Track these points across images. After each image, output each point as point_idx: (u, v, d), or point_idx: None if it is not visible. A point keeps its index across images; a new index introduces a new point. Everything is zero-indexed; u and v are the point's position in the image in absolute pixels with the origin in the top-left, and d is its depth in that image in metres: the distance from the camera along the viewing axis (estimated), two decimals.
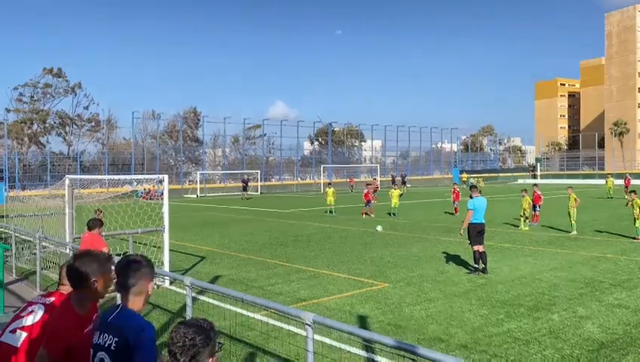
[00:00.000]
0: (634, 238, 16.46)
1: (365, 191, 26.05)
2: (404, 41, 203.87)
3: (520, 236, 17.87)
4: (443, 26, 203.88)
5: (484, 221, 12.05)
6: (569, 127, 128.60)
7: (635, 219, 16.84)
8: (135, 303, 2.87)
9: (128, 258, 2.95)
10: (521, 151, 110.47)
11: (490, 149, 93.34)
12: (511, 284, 10.66)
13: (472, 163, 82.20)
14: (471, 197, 12.17)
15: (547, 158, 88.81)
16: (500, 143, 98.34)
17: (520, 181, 69.32)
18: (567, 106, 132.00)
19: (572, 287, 10.29)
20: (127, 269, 2.87)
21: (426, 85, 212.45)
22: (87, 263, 2.99)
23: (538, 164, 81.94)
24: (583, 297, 9.49)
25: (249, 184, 46.08)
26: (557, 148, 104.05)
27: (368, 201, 25.43)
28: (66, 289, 3.46)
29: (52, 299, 3.39)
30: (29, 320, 3.25)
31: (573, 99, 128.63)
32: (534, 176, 75.52)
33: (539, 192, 21.99)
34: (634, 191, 17.37)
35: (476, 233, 11.87)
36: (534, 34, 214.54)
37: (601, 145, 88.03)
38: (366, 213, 25.23)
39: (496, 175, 75.29)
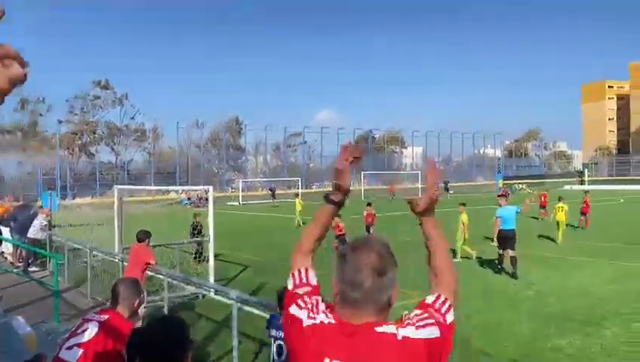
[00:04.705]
0: None
1: (366, 212, 18.74)
2: (442, 42, 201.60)
3: (569, 246, 17.32)
4: (484, 28, 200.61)
5: (512, 227, 12.72)
6: (618, 130, 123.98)
7: None
8: None
9: None
10: (565, 156, 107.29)
11: (536, 154, 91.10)
12: (561, 296, 10.35)
13: (516, 168, 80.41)
14: (499, 205, 13.17)
15: (595, 163, 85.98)
16: (546, 148, 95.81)
17: (567, 187, 67.21)
18: (615, 109, 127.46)
19: (625, 301, 9.90)
20: None
21: (468, 89, 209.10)
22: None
23: (586, 170, 79.31)
24: (636, 312, 9.13)
25: (276, 192, 46.25)
26: (606, 153, 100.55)
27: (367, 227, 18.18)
28: (119, 307, 3.57)
29: (106, 316, 3.51)
30: (84, 337, 3.37)
31: (622, 101, 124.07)
32: (582, 182, 73.11)
33: (588, 200, 21.48)
34: None
35: (505, 239, 12.63)
36: (580, 34, 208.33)
37: None
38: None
39: (542, 181, 73.26)
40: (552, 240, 18.52)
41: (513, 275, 12.07)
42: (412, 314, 1.59)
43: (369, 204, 19.27)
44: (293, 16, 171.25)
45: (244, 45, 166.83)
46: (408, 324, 1.53)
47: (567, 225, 19.24)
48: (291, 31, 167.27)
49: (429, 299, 1.66)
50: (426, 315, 1.58)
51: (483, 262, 14.27)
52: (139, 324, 3.74)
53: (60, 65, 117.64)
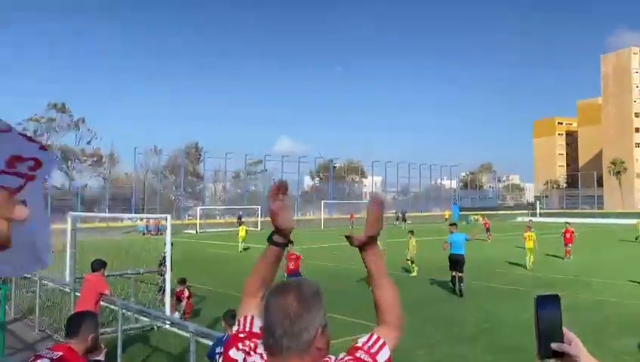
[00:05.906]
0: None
1: (178, 289, 12.18)
2: (401, 77, 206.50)
3: (524, 277, 17.71)
4: (441, 65, 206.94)
5: (461, 252, 14.48)
6: (567, 165, 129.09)
7: None
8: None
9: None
10: (519, 188, 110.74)
11: (490, 186, 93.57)
12: (516, 329, 10.51)
13: (471, 200, 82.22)
14: (451, 232, 15.06)
15: (546, 196, 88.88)
16: (499, 181, 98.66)
17: (519, 219, 69.06)
18: (565, 145, 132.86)
19: (578, 333, 10.09)
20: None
21: (426, 122, 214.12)
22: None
23: (537, 202, 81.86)
24: (589, 343, 9.27)
25: (242, 220, 46.12)
26: (555, 187, 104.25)
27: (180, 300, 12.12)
28: (74, 342, 3.43)
29: (60, 353, 3.35)
30: None
31: (571, 137, 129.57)
32: (534, 214, 75.31)
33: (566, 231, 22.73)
34: None
35: (453, 262, 14.45)
36: (531, 73, 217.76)
37: (600, 184, 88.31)
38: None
39: (495, 213, 75.06)
40: (524, 266, 19.58)
41: (460, 293, 13.94)
42: (334, 358, 1.55)
43: (291, 242, 9.84)
44: (254, 43, 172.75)
45: (205, 72, 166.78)
46: None
47: (550, 255, 20.70)
48: (252, 58, 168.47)
49: (360, 341, 1.62)
50: (349, 358, 1.54)
51: (442, 293, 14.43)
52: (102, 358, 3.61)
53: (13, 86, 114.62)
